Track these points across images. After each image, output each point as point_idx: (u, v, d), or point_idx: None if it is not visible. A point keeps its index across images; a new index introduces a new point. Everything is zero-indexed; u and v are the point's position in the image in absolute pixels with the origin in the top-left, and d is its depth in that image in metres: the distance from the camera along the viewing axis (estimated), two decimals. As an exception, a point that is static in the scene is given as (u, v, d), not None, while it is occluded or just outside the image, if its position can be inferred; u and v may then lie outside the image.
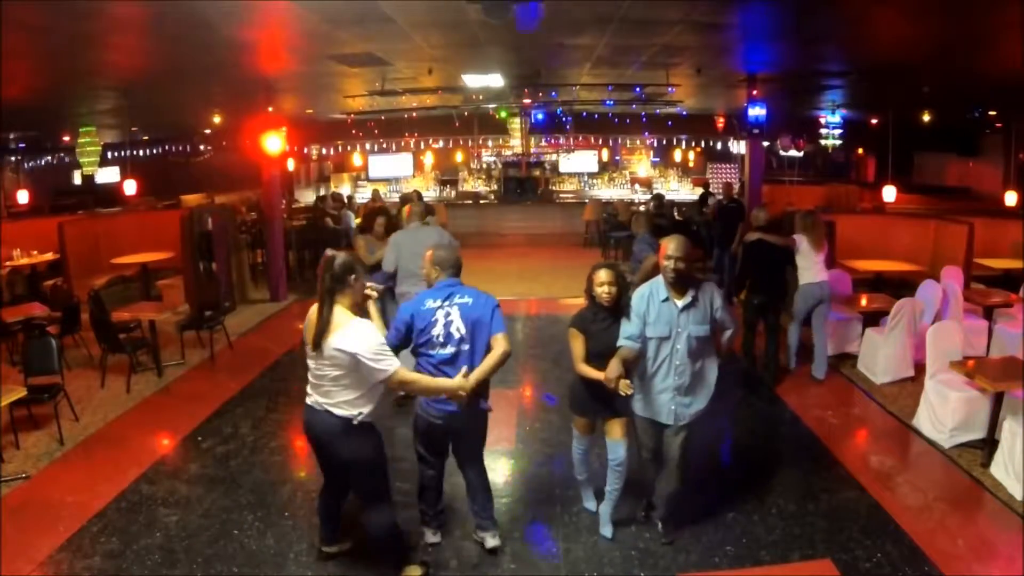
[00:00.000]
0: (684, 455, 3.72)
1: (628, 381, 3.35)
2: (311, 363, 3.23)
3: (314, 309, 3.22)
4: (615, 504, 3.95)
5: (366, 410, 3.22)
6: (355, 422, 3.19)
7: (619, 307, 3.65)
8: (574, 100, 12.70)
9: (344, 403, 3.19)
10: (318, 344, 3.13)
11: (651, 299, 3.58)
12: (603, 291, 3.64)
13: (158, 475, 4.79)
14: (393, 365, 3.13)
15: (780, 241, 6.31)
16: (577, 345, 3.69)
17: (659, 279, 3.64)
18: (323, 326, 3.12)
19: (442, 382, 3.37)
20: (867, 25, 5.84)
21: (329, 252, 3.29)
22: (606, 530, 3.95)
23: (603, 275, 3.66)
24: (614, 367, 3.37)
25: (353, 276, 3.19)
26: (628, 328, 3.58)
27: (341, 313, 3.15)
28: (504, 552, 3.83)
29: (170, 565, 3.76)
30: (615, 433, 3.79)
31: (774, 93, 10.11)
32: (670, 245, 3.54)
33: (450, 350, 3.44)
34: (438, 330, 3.44)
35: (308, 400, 3.31)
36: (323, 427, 3.24)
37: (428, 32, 6.23)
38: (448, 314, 3.46)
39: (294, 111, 12.95)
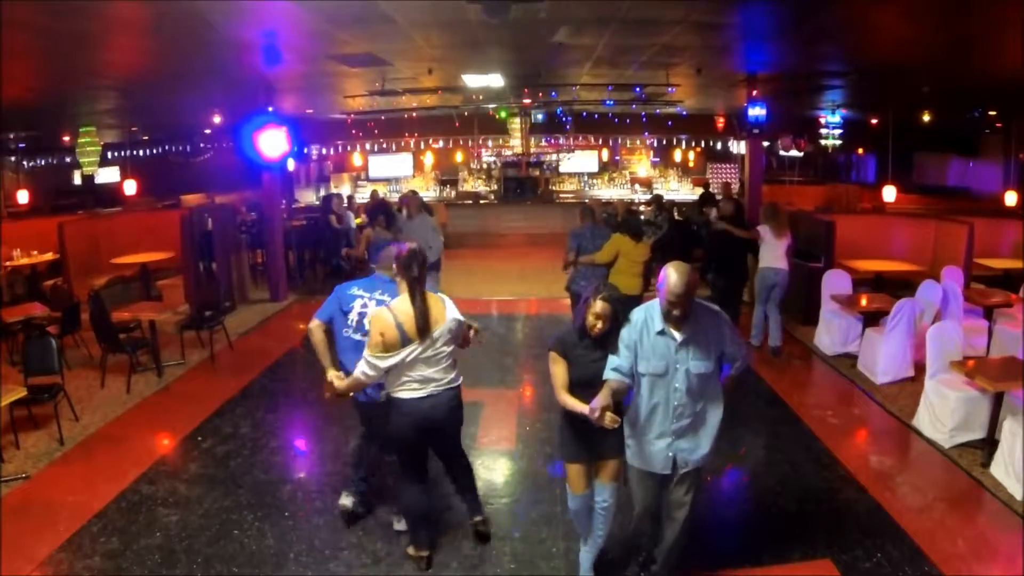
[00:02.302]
0: (692, 509, 3.26)
1: (614, 415, 2.89)
2: (422, 354, 3.34)
3: (400, 305, 3.36)
4: (598, 549, 3.51)
5: None
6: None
7: (605, 339, 3.20)
8: (574, 100, 12.69)
9: (455, 372, 3.52)
10: (427, 332, 3.33)
11: (644, 330, 3.07)
12: (594, 323, 3.16)
13: (158, 475, 4.79)
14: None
15: (743, 233, 7.03)
16: (559, 371, 3.21)
17: (654, 305, 3.11)
18: (427, 313, 3.35)
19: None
20: (867, 25, 5.84)
21: (410, 245, 3.47)
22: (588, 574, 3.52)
23: (598, 307, 3.14)
24: (601, 397, 2.91)
25: (422, 264, 3.47)
26: (616, 360, 3.10)
27: (432, 294, 3.46)
28: (504, 552, 3.83)
29: (170, 565, 3.76)
30: (604, 477, 3.34)
31: (774, 93, 10.10)
32: (672, 280, 2.91)
33: (357, 337, 3.69)
34: (353, 316, 3.75)
35: (423, 392, 3.40)
36: (450, 405, 3.49)
37: (428, 32, 6.23)
38: (365, 304, 3.75)
39: (294, 111, 12.95)
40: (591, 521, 3.43)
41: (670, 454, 3.13)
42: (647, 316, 3.10)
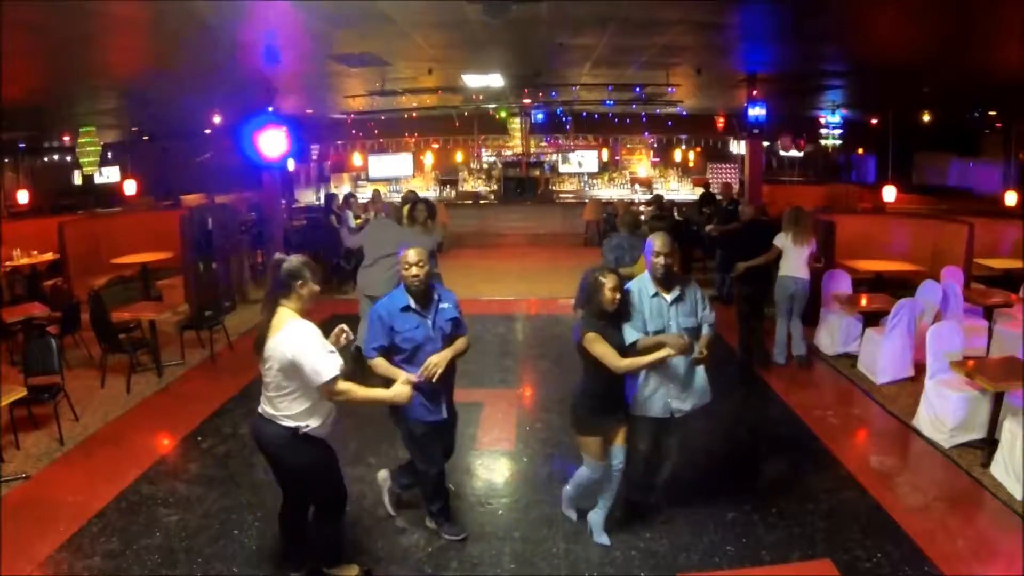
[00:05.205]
0: (680, 449, 3.97)
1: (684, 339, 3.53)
2: (261, 369, 3.16)
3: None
4: (608, 509, 3.87)
5: (312, 423, 3.14)
6: (300, 432, 3.13)
7: (619, 311, 3.65)
8: (574, 100, 12.70)
9: (290, 416, 3.11)
10: (260, 348, 3.10)
11: (641, 295, 3.73)
12: (613, 296, 3.55)
13: (158, 475, 4.79)
14: (331, 371, 3.01)
15: (762, 260, 6.55)
16: (607, 348, 3.52)
17: (644, 276, 3.81)
18: (263, 330, 3.10)
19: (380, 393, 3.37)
20: (867, 25, 5.84)
21: (277, 256, 3.22)
22: (602, 538, 3.85)
23: (611, 281, 3.56)
24: (672, 339, 3.51)
25: (299, 282, 3.11)
26: (635, 324, 3.69)
27: (284, 315, 3.09)
28: (504, 552, 3.83)
29: (170, 565, 3.76)
30: (619, 440, 3.74)
31: (774, 93, 10.09)
32: (657, 242, 3.72)
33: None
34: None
35: (258, 408, 3.24)
36: (269, 437, 3.18)
37: (428, 32, 6.23)
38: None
39: (294, 111, 12.95)
40: (608, 483, 3.79)
41: (667, 401, 3.77)
42: (641, 287, 3.77)
